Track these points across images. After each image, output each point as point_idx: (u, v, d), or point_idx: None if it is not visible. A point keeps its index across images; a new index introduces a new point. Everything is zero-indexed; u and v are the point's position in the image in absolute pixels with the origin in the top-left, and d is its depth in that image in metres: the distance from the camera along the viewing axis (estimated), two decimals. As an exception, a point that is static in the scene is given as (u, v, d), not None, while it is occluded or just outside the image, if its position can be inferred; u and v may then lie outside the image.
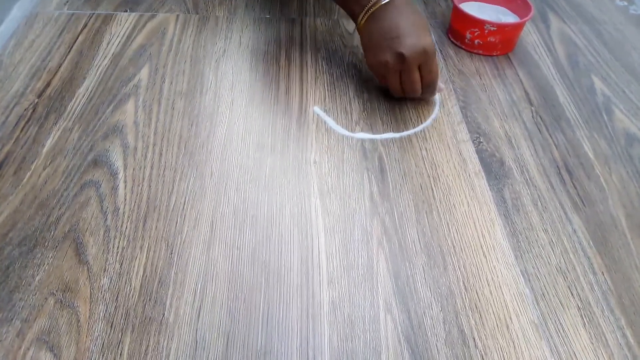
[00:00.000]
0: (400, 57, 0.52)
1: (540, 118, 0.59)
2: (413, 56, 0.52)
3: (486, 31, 0.64)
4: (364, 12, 0.55)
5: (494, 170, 0.52)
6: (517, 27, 0.66)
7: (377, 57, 0.54)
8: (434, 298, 0.41)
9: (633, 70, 0.67)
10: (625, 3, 0.81)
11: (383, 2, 0.53)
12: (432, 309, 0.40)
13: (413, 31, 0.52)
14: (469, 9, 0.66)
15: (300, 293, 0.41)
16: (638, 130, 0.58)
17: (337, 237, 0.45)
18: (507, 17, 0.68)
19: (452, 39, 0.69)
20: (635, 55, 0.69)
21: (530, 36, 0.72)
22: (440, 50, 0.68)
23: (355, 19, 0.57)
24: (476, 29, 0.64)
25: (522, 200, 0.50)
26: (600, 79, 0.65)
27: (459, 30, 0.67)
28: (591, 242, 0.46)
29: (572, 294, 0.42)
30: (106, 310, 0.39)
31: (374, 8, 0.54)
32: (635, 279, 0.44)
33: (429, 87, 0.55)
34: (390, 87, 0.57)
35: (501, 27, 0.64)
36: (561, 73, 0.65)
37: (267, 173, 0.50)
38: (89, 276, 0.41)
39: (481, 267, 0.44)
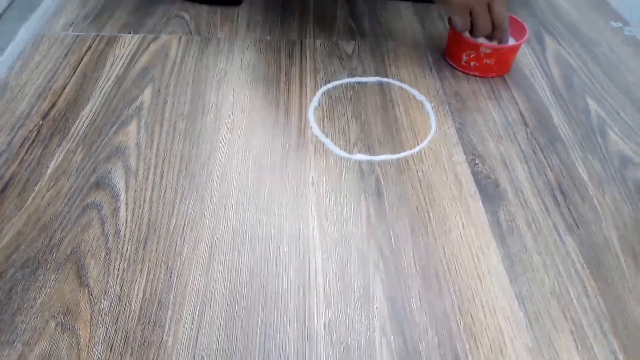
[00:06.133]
0: None
1: (535, 140, 0.60)
2: None
3: (482, 54, 0.65)
4: None
5: (490, 192, 0.53)
6: (512, 50, 0.67)
7: None
8: (429, 322, 0.42)
9: (627, 92, 0.68)
10: (620, 24, 0.83)
11: None
12: (427, 333, 0.41)
13: None
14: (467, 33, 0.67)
15: (297, 316, 0.41)
16: (632, 152, 0.59)
17: (334, 260, 0.46)
18: (503, 39, 0.70)
19: (448, 61, 0.70)
20: (629, 77, 0.71)
21: (526, 57, 0.73)
22: (437, 72, 0.69)
23: None
24: (472, 52, 0.66)
25: (517, 222, 0.50)
26: (594, 100, 0.66)
27: (455, 53, 0.68)
28: (585, 265, 0.47)
29: (565, 318, 0.43)
30: (106, 334, 0.39)
31: None
32: (628, 302, 0.44)
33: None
34: (478, 22, 0.62)
35: (496, 50, 0.65)
36: (556, 94, 0.66)
37: (266, 194, 0.51)
38: (90, 299, 0.41)
39: (476, 290, 0.44)
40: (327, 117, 0.61)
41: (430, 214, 0.51)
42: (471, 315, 0.42)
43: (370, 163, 0.56)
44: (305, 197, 0.51)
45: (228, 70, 0.67)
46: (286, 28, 0.76)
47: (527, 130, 0.61)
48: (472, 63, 0.67)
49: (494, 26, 0.63)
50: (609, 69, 0.72)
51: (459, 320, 0.42)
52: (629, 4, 0.88)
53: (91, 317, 0.40)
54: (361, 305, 0.43)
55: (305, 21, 0.78)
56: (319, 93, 0.65)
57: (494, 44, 0.66)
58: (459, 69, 0.69)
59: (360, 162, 0.56)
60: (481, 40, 0.66)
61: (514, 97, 0.66)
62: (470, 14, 0.62)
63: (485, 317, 0.42)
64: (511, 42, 0.69)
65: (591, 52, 0.75)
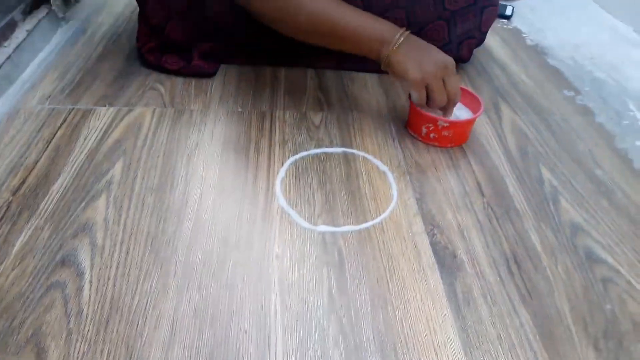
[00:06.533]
0: (445, 64, 0.66)
1: (491, 209, 0.62)
2: (453, 64, 0.67)
3: (440, 127, 0.69)
4: (398, 36, 0.66)
5: (447, 263, 0.55)
6: (467, 124, 0.71)
7: (424, 68, 0.65)
8: (385, 400, 0.42)
9: (578, 160, 0.72)
10: (573, 93, 0.88)
11: (407, 31, 0.67)
12: (382, 412, 0.42)
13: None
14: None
15: (255, 398, 0.42)
16: (582, 220, 0.62)
17: (294, 337, 0.47)
18: (460, 111, 0.74)
19: (410, 132, 0.74)
20: (580, 145, 0.75)
21: (483, 127, 0.77)
22: (400, 143, 0.73)
23: (383, 50, 0.67)
24: (430, 124, 0.69)
25: (473, 294, 0.52)
26: (548, 169, 0.70)
27: (416, 124, 0.72)
28: (537, 336, 0.49)
29: (518, 392, 0.44)
30: (61, 421, 0.39)
31: (406, 33, 0.67)
32: (579, 375, 0.46)
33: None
34: (434, 96, 0.67)
35: (453, 124, 0.69)
36: (511, 164, 0.70)
37: (230, 269, 0.53)
38: (47, 384, 0.42)
39: (432, 365, 0.45)
40: (293, 188, 0.64)
41: (390, 285, 0.52)
42: (427, 392, 0.43)
43: (334, 234, 0.58)
44: (268, 271, 0.53)
45: (199, 142, 0.70)
46: (257, 99, 0.80)
47: (484, 199, 0.64)
48: (431, 135, 0.71)
49: (447, 100, 0.67)
50: (562, 138, 0.76)
51: (414, 398, 0.43)
52: (580, 73, 0.94)
53: (47, 403, 0.40)
54: (319, 384, 0.43)
55: (276, 93, 0.82)
56: (286, 164, 0.67)
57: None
58: (420, 139, 0.73)
59: (324, 234, 0.58)
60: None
61: (471, 167, 0.69)
62: (427, 88, 0.67)
63: (441, 393, 0.43)
64: (468, 114, 0.73)
65: (545, 121, 0.80)
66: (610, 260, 0.57)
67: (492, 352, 0.47)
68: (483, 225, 0.60)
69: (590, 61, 0.98)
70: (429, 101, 0.68)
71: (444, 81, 0.67)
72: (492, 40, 1.04)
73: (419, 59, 0.66)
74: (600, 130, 0.79)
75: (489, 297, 0.52)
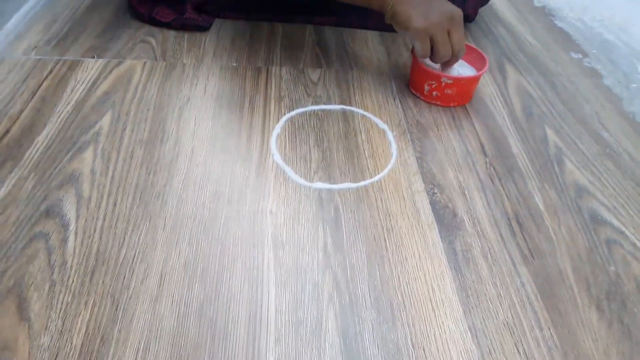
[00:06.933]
0: (451, 14, 0.62)
1: (494, 169, 0.60)
2: (460, 15, 0.63)
3: (443, 84, 0.66)
4: None
5: (447, 221, 0.53)
6: (472, 81, 0.68)
7: (429, 18, 0.62)
8: (381, 356, 0.41)
9: (584, 122, 0.69)
10: (580, 55, 0.85)
11: None
12: (377, 367, 0.40)
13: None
14: (427, 61, 0.69)
15: (246, 352, 0.40)
16: (587, 181, 0.60)
17: (287, 292, 0.45)
18: (464, 69, 0.71)
19: (412, 90, 0.71)
20: (587, 107, 0.72)
21: (487, 87, 0.74)
22: (401, 101, 0.70)
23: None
24: (433, 82, 0.67)
25: (473, 253, 0.50)
26: (553, 130, 0.67)
27: (418, 82, 0.69)
28: (539, 296, 0.47)
29: (518, 351, 0.43)
30: (43, 372, 0.38)
31: None
32: (580, 334, 0.44)
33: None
34: (439, 48, 0.63)
35: (457, 81, 0.66)
36: (516, 124, 0.68)
37: (222, 224, 0.51)
38: (29, 334, 0.40)
39: (429, 323, 0.44)
40: (289, 144, 0.61)
41: (387, 243, 0.50)
42: (423, 349, 0.42)
43: (330, 191, 0.56)
44: (262, 227, 0.51)
45: (191, 97, 0.67)
46: (253, 55, 0.77)
47: (486, 159, 0.62)
48: (434, 93, 0.68)
49: (452, 53, 0.64)
50: (568, 99, 0.74)
51: (411, 354, 0.41)
52: (588, 35, 0.91)
53: (29, 354, 0.39)
54: (313, 339, 0.42)
55: (272, 48, 0.79)
56: (282, 120, 0.65)
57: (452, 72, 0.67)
58: (422, 98, 0.70)
59: (320, 191, 0.56)
60: (438, 67, 0.67)
61: (474, 126, 0.66)
62: (431, 40, 0.63)
63: (438, 350, 0.42)
64: (472, 72, 0.70)
65: (551, 82, 0.77)
66: (615, 222, 0.55)
67: (492, 311, 0.45)
68: (485, 184, 0.58)
69: (600, 23, 0.95)
70: (432, 55, 0.65)
71: (449, 34, 0.63)
72: (498, 0, 1.00)
73: (425, 8, 0.62)
74: (608, 92, 0.76)
75: (489, 256, 0.50)
